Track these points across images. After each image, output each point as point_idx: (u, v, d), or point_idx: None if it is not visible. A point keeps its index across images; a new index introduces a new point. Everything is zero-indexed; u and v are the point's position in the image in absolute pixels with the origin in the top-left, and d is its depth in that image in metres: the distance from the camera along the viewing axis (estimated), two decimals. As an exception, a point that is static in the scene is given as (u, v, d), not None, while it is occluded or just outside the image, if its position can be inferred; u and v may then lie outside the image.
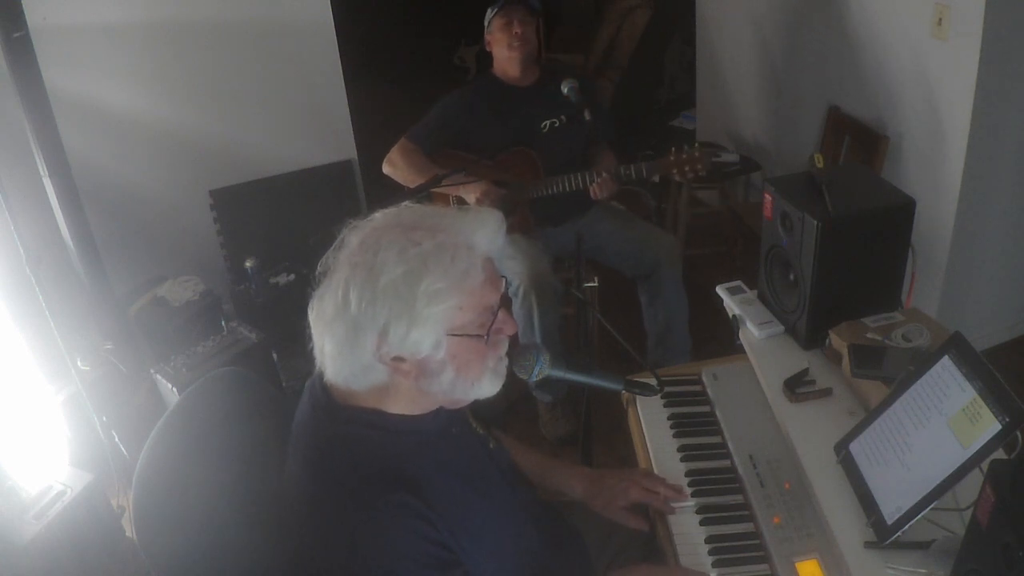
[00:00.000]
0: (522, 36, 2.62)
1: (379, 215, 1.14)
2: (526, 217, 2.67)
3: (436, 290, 1.05)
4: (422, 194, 2.35)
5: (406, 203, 1.18)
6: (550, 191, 2.59)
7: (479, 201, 2.53)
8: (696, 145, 2.44)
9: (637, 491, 1.47)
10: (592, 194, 2.53)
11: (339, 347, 1.08)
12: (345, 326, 1.07)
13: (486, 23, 2.71)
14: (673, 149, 2.45)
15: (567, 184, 2.56)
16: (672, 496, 1.47)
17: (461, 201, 2.61)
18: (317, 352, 1.13)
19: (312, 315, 1.13)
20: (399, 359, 1.09)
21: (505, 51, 2.65)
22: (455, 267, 1.07)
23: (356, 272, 1.07)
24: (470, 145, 2.70)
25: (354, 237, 1.12)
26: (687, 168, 2.45)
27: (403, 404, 1.15)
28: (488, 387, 1.17)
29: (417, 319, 1.05)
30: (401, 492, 1.09)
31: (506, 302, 1.16)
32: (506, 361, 1.20)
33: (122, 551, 2.18)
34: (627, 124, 4.59)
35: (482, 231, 1.12)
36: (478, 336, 1.12)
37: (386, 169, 2.68)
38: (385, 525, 1.08)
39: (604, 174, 2.50)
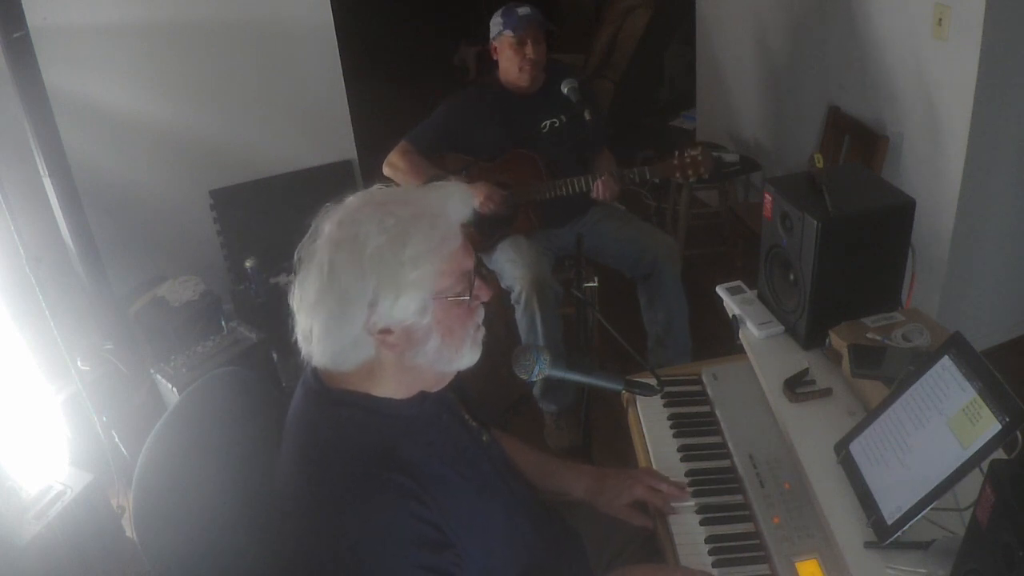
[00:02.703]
0: (534, 59, 2.60)
1: (351, 198, 1.17)
2: (530, 219, 2.66)
3: (419, 253, 1.09)
4: None
5: (376, 186, 1.20)
6: (552, 194, 2.58)
7: (483, 205, 2.52)
8: (699, 148, 2.43)
9: (640, 489, 1.47)
10: (595, 194, 2.53)
11: (327, 326, 1.10)
12: (333, 303, 1.09)
13: (493, 31, 2.66)
14: (676, 152, 2.45)
15: (569, 187, 2.55)
16: (675, 494, 1.48)
17: None
18: (302, 339, 1.15)
19: (295, 302, 1.14)
20: (386, 331, 1.11)
21: (515, 68, 2.62)
22: (435, 232, 1.11)
23: (340, 248, 1.09)
24: (471, 148, 2.69)
25: (329, 221, 1.14)
26: (690, 171, 2.45)
27: (390, 386, 1.17)
28: (469, 356, 1.20)
29: (404, 285, 1.08)
30: (392, 471, 1.10)
31: (480, 269, 1.21)
32: (483, 331, 1.22)
33: (122, 551, 2.18)
34: (627, 124, 4.59)
35: (451, 201, 1.16)
36: (462, 299, 1.15)
37: (386, 171, 2.68)
38: (376, 503, 1.08)
39: (606, 175, 2.50)
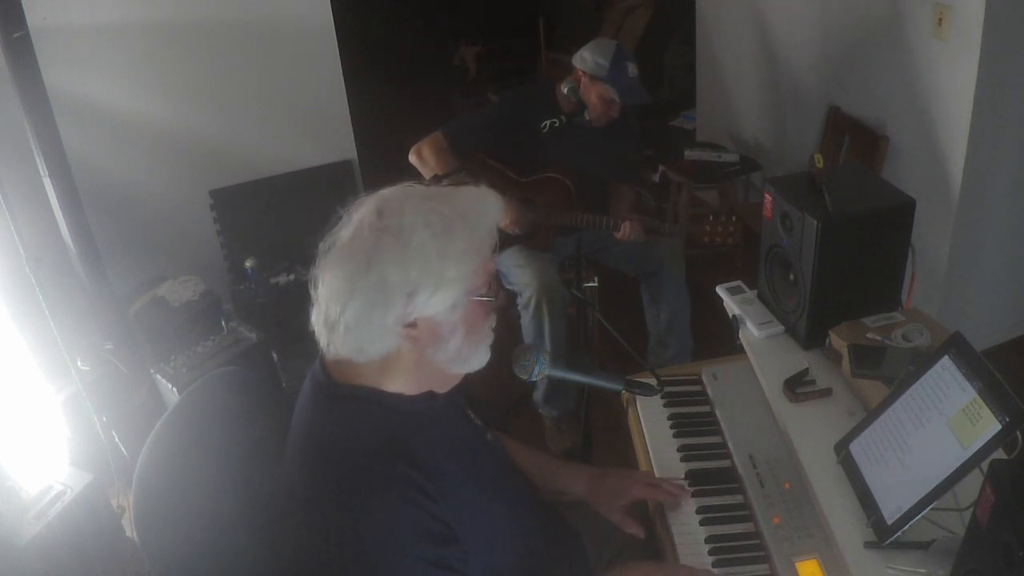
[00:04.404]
0: (611, 117, 2.58)
1: (386, 190, 1.18)
2: (548, 238, 2.64)
3: (462, 251, 1.11)
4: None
5: (408, 183, 1.20)
6: (573, 224, 2.54)
7: (510, 226, 2.49)
8: (732, 219, 2.42)
9: (639, 488, 1.47)
10: (620, 235, 2.47)
11: (360, 313, 1.09)
12: (371, 290, 1.09)
13: (592, 69, 2.52)
14: (710, 217, 2.43)
15: (595, 223, 2.51)
16: (674, 492, 1.48)
17: None
18: (322, 328, 1.14)
19: (320, 289, 1.13)
20: (413, 325, 1.12)
21: (594, 112, 2.57)
22: (476, 232, 1.14)
23: (384, 236, 1.09)
24: (501, 155, 2.64)
25: (365, 211, 1.14)
26: (718, 239, 2.44)
27: (401, 382, 1.17)
28: (481, 357, 1.21)
29: (443, 280, 1.10)
30: (401, 465, 1.10)
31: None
32: (493, 336, 1.23)
33: (122, 551, 2.18)
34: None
35: (488, 205, 1.19)
36: (488, 299, 1.17)
37: (412, 159, 2.62)
38: (385, 497, 1.09)
39: (634, 217, 2.48)
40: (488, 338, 1.21)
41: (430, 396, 1.22)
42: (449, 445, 1.21)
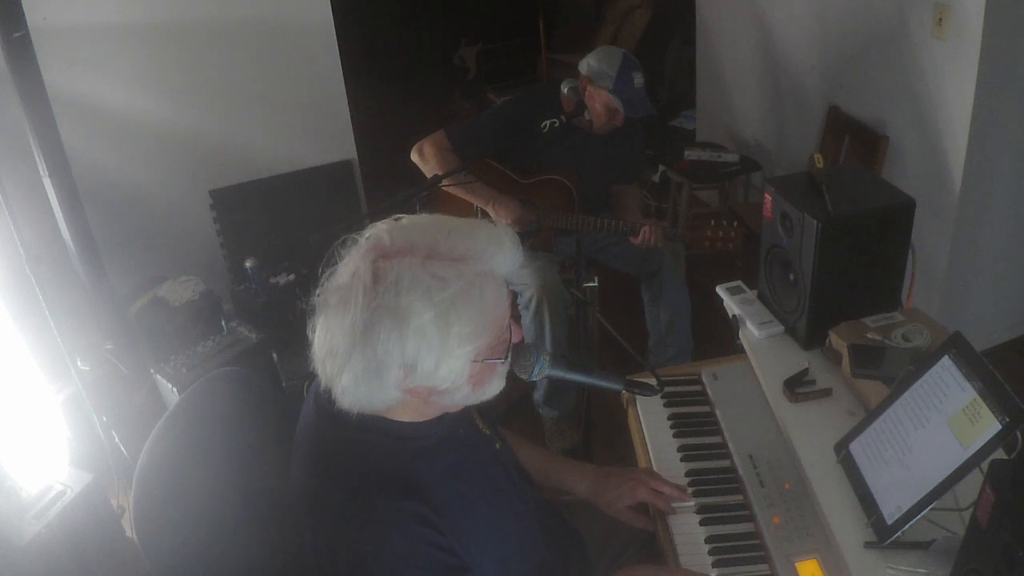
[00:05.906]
0: (615, 127, 2.56)
1: (384, 232, 1.09)
2: (549, 237, 2.63)
3: (467, 333, 1.05)
4: (428, 192, 2.32)
5: (404, 217, 1.13)
6: (577, 226, 2.50)
7: (513, 223, 2.47)
8: (734, 224, 2.41)
9: (643, 491, 1.47)
10: (640, 240, 2.43)
11: (357, 380, 1.06)
12: (366, 361, 1.04)
13: (599, 78, 2.48)
14: (712, 223, 2.42)
15: (612, 228, 2.47)
16: (677, 496, 1.48)
17: (486, 216, 2.54)
18: (320, 371, 1.10)
19: (317, 342, 1.09)
20: (416, 386, 1.09)
21: (598, 122, 2.54)
22: (483, 303, 1.07)
23: (379, 315, 1.02)
24: (503, 156, 2.63)
25: (358, 264, 1.06)
26: (719, 244, 2.43)
27: (409, 414, 1.16)
28: (493, 391, 1.18)
29: (446, 356, 1.05)
30: (408, 498, 1.09)
31: (514, 313, 1.16)
32: (508, 365, 1.20)
33: (122, 551, 2.18)
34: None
35: (501, 253, 1.11)
36: (500, 360, 1.14)
37: (414, 157, 2.60)
38: (391, 531, 1.08)
39: (653, 220, 2.46)
40: (498, 377, 1.17)
41: (439, 418, 1.20)
42: (458, 465, 1.20)
